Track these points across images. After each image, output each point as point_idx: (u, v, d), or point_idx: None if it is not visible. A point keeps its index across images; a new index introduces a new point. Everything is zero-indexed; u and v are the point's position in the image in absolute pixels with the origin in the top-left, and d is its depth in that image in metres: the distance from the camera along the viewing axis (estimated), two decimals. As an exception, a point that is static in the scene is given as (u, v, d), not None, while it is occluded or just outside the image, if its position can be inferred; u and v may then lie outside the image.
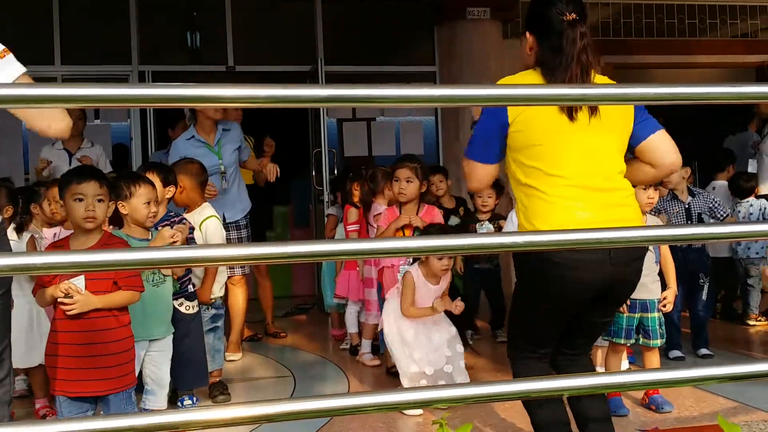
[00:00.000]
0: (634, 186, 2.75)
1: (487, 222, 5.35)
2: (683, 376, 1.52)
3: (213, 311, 4.33)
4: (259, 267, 5.78)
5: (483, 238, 1.44)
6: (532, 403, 2.78)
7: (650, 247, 3.98)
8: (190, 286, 3.98)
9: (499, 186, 5.31)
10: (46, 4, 7.39)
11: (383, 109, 8.47)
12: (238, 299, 5.19)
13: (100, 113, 8.24)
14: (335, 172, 7.19)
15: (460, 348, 4.12)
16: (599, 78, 2.73)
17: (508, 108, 2.59)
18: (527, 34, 2.76)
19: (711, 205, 4.98)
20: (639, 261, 2.70)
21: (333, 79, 7.50)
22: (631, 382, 1.62)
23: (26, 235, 4.25)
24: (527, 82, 2.66)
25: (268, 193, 5.46)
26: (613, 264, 2.55)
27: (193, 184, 4.37)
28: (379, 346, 5.02)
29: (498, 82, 2.60)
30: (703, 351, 4.95)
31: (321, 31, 8.00)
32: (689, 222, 4.85)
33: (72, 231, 3.07)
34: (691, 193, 4.97)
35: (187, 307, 3.92)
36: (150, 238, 3.53)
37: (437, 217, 4.61)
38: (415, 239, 1.63)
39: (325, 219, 6.39)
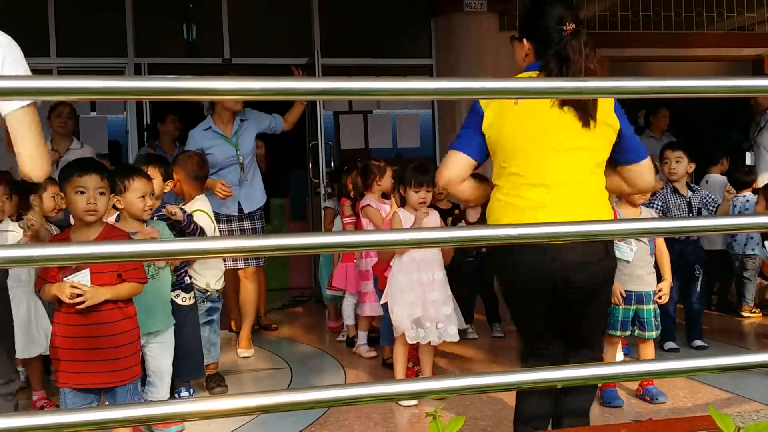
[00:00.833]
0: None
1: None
2: (677, 366, 1.53)
3: (209, 304, 4.29)
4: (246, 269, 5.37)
5: (477, 231, 1.45)
6: (520, 395, 2.82)
7: (645, 240, 4.00)
8: (187, 278, 3.99)
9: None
10: (42, -4, 7.38)
11: (380, 102, 8.46)
12: (250, 293, 5.13)
13: (96, 106, 8.22)
14: (332, 164, 7.19)
15: (453, 330, 4.11)
16: None
17: (483, 108, 2.65)
18: (524, 41, 2.78)
19: (706, 201, 5.01)
20: (595, 265, 2.66)
21: (329, 72, 7.50)
22: (625, 373, 1.63)
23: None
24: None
25: (265, 186, 5.43)
26: (559, 267, 2.58)
27: (186, 177, 4.36)
28: (378, 338, 5.04)
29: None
30: (698, 342, 4.98)
31: (317, 23, 7.98)
32: (690, 215, 4.88)
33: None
34: (690, 189, 4.99)
35: (184, 299, 3.93)
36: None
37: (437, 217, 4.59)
38: (410, 231, 1.64)
39: (322, 212, 6.39)
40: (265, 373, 4.89)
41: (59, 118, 5.79)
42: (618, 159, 2.74)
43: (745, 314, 5.93)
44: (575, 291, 2.65)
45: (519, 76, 2.70)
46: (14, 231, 3.97)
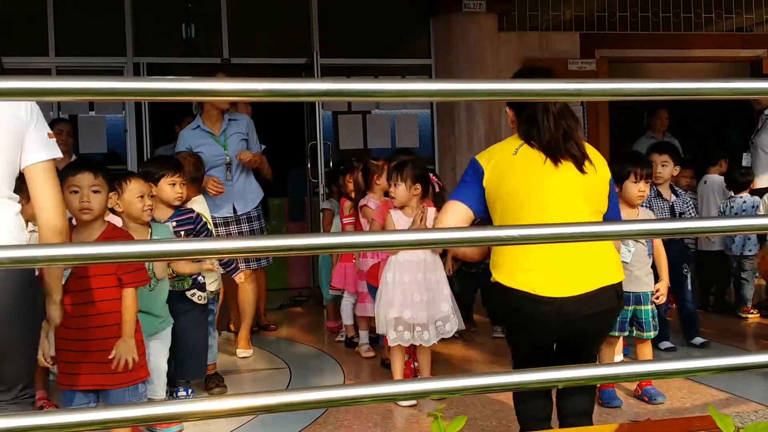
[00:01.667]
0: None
1: None
2: (677, 367, 1.53)
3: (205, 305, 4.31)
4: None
5: (478, 232, 1.45)
6: (518, 396, 2.83)
7: (643, 241, 4.01)
8: (200, 277, 4.01)
9: None
10: (41, -5, 7.38)
11: (378, 102, 8.47)
12: (248, 294, 5.12)
13: (95, 105, 8.22)
14: (330, 164, 7.19)
15: (426, 335, 4.10)
16: (588, 147, 2.78)
17: (483, 166, 2.72)
18: (507, 108, 2.88)
19: (688, 206, 5.00)
20: (604, 315, 2.68)
21: (328, 72, 7.50)
22: (625, 374, 1.63)
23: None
24: (513, 147, 2.75)
25: (264, 186, 5.42)
26: (563, 317, 2.59)
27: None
28: (377, 338, 5.05)
29: (483, 152, 2.80)
30: (699, 339, 4.99)
31: (316, 23, 7.98)
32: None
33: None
34: (675, 193, 4.98)
35: (200, 297, 3.98)
36: (150, 230, 3.58)
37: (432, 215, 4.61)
38: (409, 232, 1.65)
39: (321, 213, 6.39)
40: (264, 373, 4.89)
41: (60, 137, 5.77)
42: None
43: (744, 315, 5.93)
44: (590, 338, 2.75)
45: (504, 141, 2.84)
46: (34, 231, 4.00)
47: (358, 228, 5.28)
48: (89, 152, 7.25)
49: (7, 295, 2.30)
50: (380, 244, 1.54)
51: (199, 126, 5.03)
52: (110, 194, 3.00)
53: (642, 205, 4.79)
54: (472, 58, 7.67)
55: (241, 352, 5.14)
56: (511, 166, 2.70)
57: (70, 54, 7.45)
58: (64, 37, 7.44)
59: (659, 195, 4.90)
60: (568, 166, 2.67)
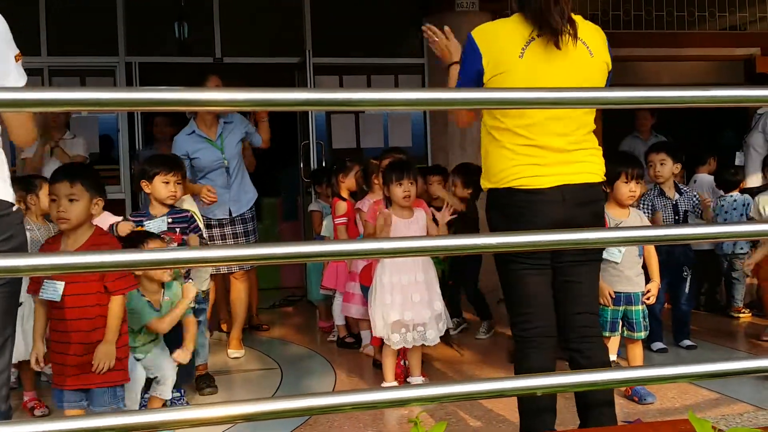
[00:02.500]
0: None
1: None
2: (669, 373, 1.55)
3: (195, 305, 4.31)
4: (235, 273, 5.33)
5: (459, 240, 1.46)
6: (525, 412, 2.82)
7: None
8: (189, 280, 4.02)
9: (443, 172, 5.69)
10: (33, -5, 7.36)
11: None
12: (241, 294, 5.12)
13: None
14: (324, 164, 7.19)
15: (432, 335, 4.12)
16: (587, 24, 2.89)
17: (482, 57, 2.74)
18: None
19: (694, 203, 5.02)
20: (595, 204, 2.81)
21: (321, 71, 7.50)
22: (610, 380, 1.64)
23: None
24: (502, 31, 2.79)
25: (257, 185, 5.42)
26: (565, 202, 2.67)
27: None
28: (359, 337, 5.05)
29: (476, 29, 2.82)
30: (687, 342, 5.01)
31: (309, 22, 7.98)
32: (676, 217, 4.90)
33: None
34: (678, 191, 5.00)
35: (190, 303, 3.97)
36: (165, 216, 3.93)
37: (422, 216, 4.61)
38: (400, 240, 1.65)
39: (311, 215, 6.36)
40: (256, 374, 4.89)
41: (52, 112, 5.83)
42: None
43: (735, 314, 5.95)
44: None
45: (509, 22, 2.82)
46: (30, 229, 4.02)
47: (351, 228, 5.28)
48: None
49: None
50: (365, 252, 1.55)
51: (194, 131, 4.97)
52: (95, 200, 2.98)
53: (643, 204, 4.82)
54: (465, 57, 7.67)
55: (233, 352, 5.14)
56: (517, 67, 2.70)
57: (63, 54, 7.45)
58: (56, 37, 7.44)
59: (662, 193, 4.92)
60: (571, 60, 2.71)
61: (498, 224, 2.77)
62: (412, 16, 8.23)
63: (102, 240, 2.98)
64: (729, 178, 5.90)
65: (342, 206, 5.41)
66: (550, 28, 2.69)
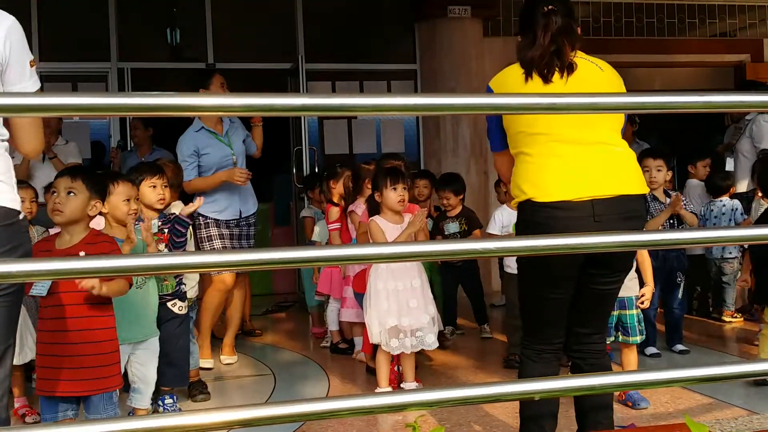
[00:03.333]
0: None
1: (455, 221, 5.62)
2: (665, 377, 1.55)
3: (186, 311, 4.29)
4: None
5: (457, 245, 1.46)
6: (526, 419, 2.81)
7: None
8: (182, 287, 4.00)
9: (460, 184, 5.62)
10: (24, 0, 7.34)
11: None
12: (234, 300, 5.12)
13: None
14: (316, 170, 7.19)
15: (431, 338, 4.13)
16: (581, 56, 2.85)
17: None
18: (519, 36, 2.87)
19: (685, 206, 5.05)
20: (635, 221, 2.64)
21: (314, 77, 7.50)
22: (604, 384, 1.65)
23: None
24: (511, 75, 2.77)
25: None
26: (597, 221, 2.55)
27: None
28: (352, 343, 5.03)
29: (491, 82, 2.81)
30: (679, 347, 5.03)
31: (302, 28, 7.99)
32: (670, 221, 4.93)
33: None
34: (668, 196, 5.03)
35: (180, 308, 3.97)
36: (155, 220, 3.70)
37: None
38: (397, 245, 1.65)
39: (303, 221, 6.35)
40: (249, 380, 4.87)
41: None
42: None
43: (727, 319, 5.97)
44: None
45: (504, 70, 2.82)
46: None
47: (344, 233, 5.28)
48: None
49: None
50: (362, 257, 1.55)
51: (202, 127, 4.98)
52: (94, 202, 2.97)
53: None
54: (457, 63, 7.71)
55: (226, 358, 5.12)
56: (512, 88, 2.70)
57: (55, 59, 7.42)
58: (48, 43, 7.41)
59: (656, 199, 4.95)
60: (575, 81, 2.70)
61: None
62: (404, 22, 8.25)
63: (97, 240, 2.96)
64: (719, 183, 5.93)
65: (335, 212, 5.42)
66: (541, 76, 2.71)
